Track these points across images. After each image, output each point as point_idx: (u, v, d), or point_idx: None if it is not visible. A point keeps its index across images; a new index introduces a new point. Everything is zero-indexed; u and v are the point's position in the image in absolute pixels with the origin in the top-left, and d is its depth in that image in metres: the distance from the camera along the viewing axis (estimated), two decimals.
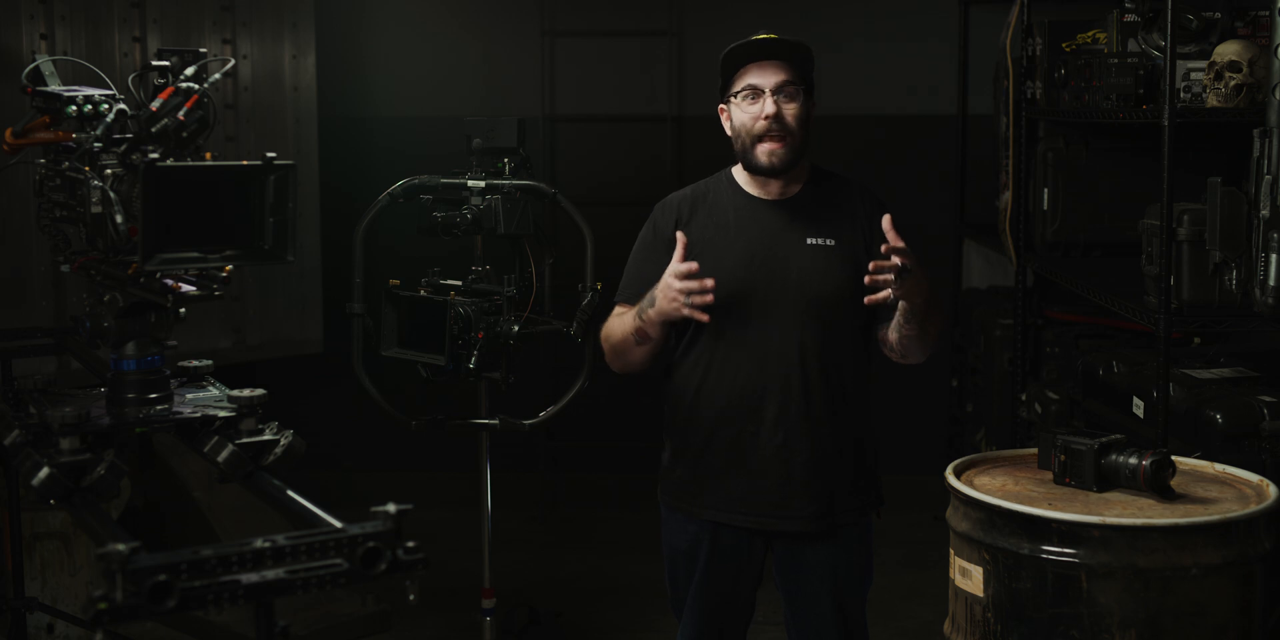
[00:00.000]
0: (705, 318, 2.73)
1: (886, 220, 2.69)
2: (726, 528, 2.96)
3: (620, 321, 2.94)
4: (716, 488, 2.94)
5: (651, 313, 2.80)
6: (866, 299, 2.68)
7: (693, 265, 2.70)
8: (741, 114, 2.87)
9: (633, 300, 2.95)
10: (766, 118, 2.82)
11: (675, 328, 2.95)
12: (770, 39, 2.87)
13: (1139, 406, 3.85)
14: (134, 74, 2.54)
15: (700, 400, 2.94)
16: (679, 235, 2.80)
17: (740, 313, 2.87)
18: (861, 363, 2.97)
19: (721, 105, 2.94)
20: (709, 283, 2.69)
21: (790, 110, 2.84)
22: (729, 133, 2.93)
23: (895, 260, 2.62)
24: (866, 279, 2.65)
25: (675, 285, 2.70)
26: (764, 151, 2.85)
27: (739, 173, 2.99)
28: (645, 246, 3.01)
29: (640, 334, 2.87)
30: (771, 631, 3.31)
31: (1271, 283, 3.21)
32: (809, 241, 2.89)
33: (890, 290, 2.65)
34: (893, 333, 2.88)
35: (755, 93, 2.85)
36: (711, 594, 3.00)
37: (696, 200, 2.99)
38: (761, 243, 2.90)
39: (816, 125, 2.96)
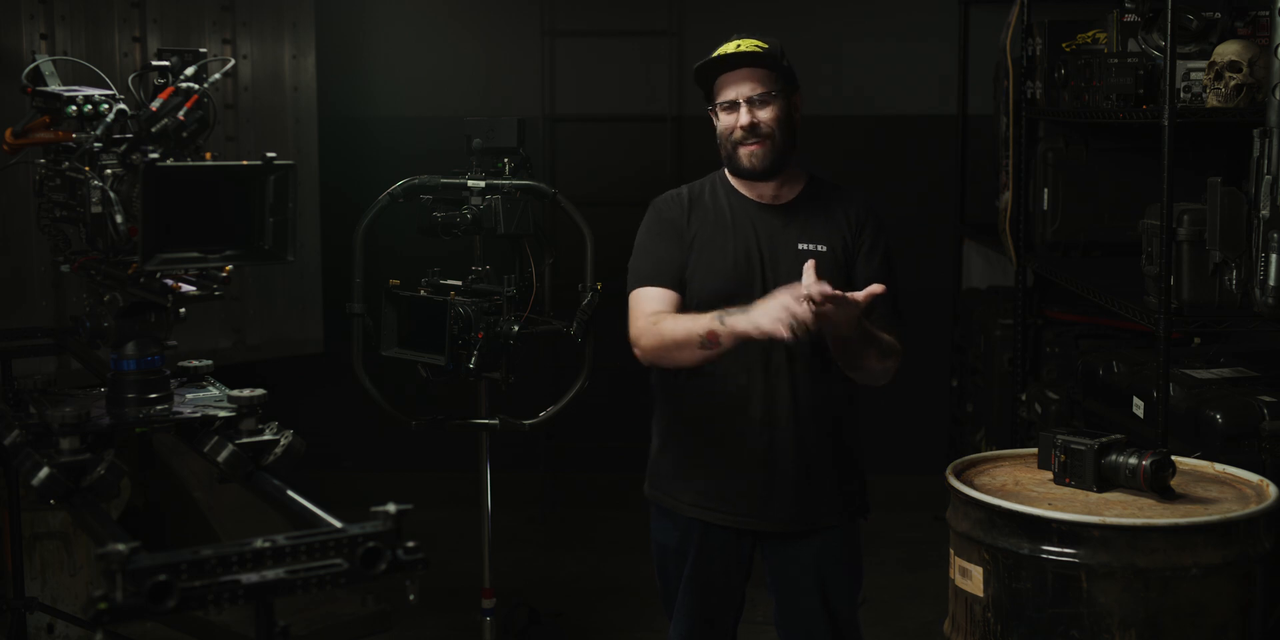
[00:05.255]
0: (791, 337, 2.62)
1: (874, 290, 2.61)
2: (712, 525, 2.96)
3: (690, 322, 2.78)
4: (701, 484, 2.95)
5: (743, 324, 2.64)
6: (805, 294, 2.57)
7: (835, 292, 2.56)
8: (721, 124, 2.92)
9: (667, 283, 2.90)
10: (742, 128, 2.86)
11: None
12: (733, 54, 2.87)
13: (1139, 406, 3.85)
14: (134, 74, 2.54)
15: (689, 397, 2.95)
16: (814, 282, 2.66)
17: None
18: None
19: (710, 109, 2.96)
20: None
21: (766, 116, 2.87)
22: (718, 138, 2.96)
23: (818, 300, 2.53)
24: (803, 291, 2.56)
25: (792, 307, 2.55)
26: (745, 155, 2.89)
27: (731, 176, 3.00)
28: (657, 232, 2.96)
29: (712, 338, 2.72)
30: (769, 632, 3.31)
31: (1271, 283, 3.21)
32: (800, 246, 2.90)
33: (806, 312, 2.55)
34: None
35: (731, 104, 2.89)
36: (701, 589, 3.01)
37: (693, 199, 2.99)
38: (755, 244, 2.91)
39: (817, 127, 2.96)
